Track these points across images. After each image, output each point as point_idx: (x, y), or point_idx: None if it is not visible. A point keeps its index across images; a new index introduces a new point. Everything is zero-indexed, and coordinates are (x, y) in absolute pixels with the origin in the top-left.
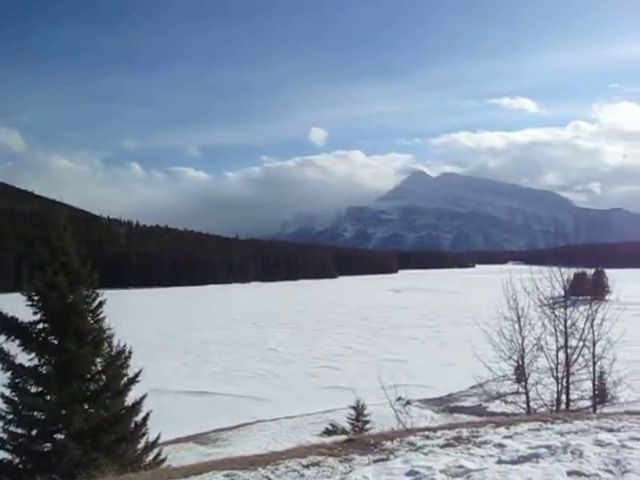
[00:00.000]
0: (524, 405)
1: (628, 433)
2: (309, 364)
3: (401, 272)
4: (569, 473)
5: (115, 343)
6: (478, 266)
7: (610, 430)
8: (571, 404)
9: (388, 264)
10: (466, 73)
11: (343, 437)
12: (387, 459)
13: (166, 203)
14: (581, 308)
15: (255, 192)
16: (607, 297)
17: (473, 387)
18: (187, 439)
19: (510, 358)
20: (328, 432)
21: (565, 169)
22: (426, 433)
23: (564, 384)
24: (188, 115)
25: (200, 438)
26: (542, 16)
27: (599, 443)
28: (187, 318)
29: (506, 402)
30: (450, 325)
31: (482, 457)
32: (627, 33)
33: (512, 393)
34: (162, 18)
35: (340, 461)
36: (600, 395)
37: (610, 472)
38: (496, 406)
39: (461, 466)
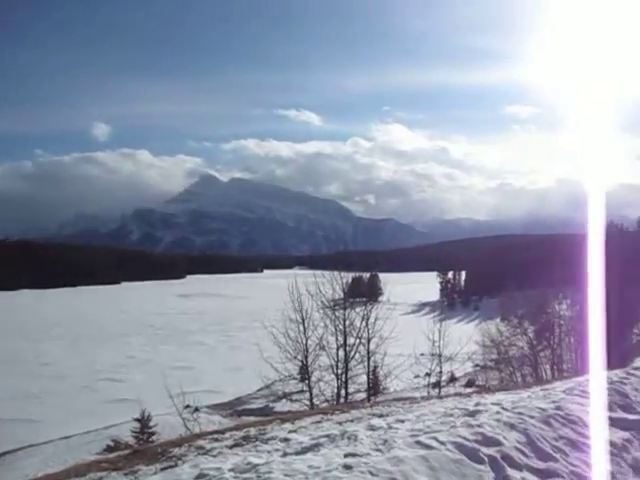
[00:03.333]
0: (308, 402)
1: (395, 417)
2: (89, 377)
3: (190, 277)
4: (346, 455)
5: None
6: (266, 271)
7: (380, 416)
8: (349, 397)
9: (176, 269)
10: (257, 82)
11: (127, 451)
12: (175, 465)
13: None
14: (358, 309)
15: (27, 189)
16: (380, 298)
17: (261, 389)
18: None
19: (295, 358)
20: (110, 449)
21: (345, 180)
22: (215, 436)
23: (343, 379)
24: None
25: None
26: (333, 38)
27: (371, 427)
28: None
29: (291, 400)
30: (239, 330)
31: (269, 452)
32: (399, 64)
33: (297, 392)
34: None
35: (125, 474)
36: (374, 387)
37: (379, 451)
38: (282, 405)
39: (249, 463)
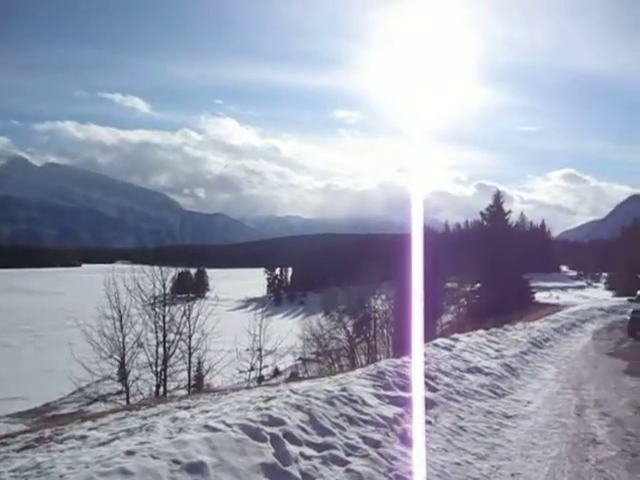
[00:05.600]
0: (125, 403)
1: (201, 408)
2: None
3: None
4: (136, 444)
5: None
6: (85, 265)
7: (187, 408)
8: (169, 394)
9: None
10: (79, 60)
11: None
12: None
13: None
14: (180, 305)
15: None
16: (207, 294)
17: (74, 392)
18: None
19: (111, 357)
20: None
21: (174, 172)
22: (4, 440)
23: (162, 376)
24: None
25: None
26: (167, 24)
27: (174, 419)
28: None
29: (107, 402)
30: (51, 329)
31: (62, 451)
32: (235, 58)
33: (116, 393)
34: None
35: None
36: (197, 383)
37: (170, 438)
38: (96, 408)
39: (36, 463)
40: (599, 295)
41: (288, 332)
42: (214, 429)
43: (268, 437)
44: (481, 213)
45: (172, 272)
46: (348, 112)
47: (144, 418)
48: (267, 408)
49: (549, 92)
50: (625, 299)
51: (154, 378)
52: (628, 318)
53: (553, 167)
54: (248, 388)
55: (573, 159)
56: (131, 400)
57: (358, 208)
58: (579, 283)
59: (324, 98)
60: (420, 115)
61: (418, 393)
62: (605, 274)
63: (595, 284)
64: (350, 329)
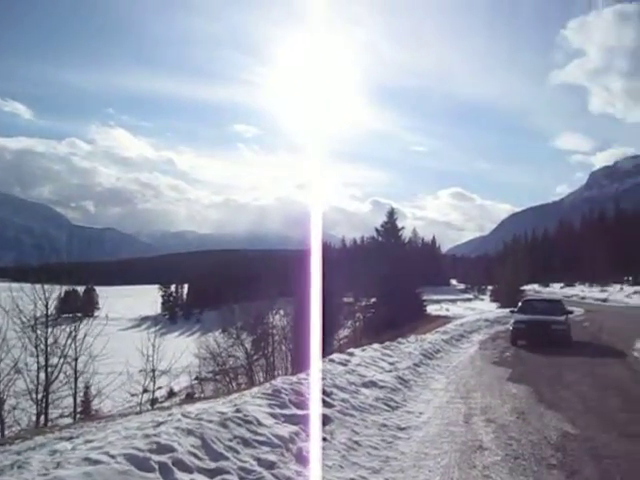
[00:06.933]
0: None
1: (84, 437)
2: None
3: None
4: None
5: None
6: None
7: (69, 438)
8: (51, 423)
9: None
10: None
11: None
12: None
13: None
14: (66, 326)
15: None
16: (97, 313)
17: None
18: None
19: None
20: None
21: (60, 184)
22: None
23: (44, 404)
24: None
25: None
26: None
27: (52, 452)
28: None
29: None
30: None
31: None
32: (129, 67)
33: None
34: None
35: None
36: (84, 409)
37: (44, 475)
38: None
39: None
40: (485, 307)
41: (183, 351)
42: (96, 461)
43: (156, 466)
44: (376, 229)
45: (57, 290)
46: (246, 126)
47: (18, 453)
48: (156, 435)
49: (437, 114)
50: (508, 310)
51: (34, 406)
52: (511, 328)
53: (443, 186)
54: (138, 413)
55: (461, 179)
56: (7, 433)
57: (256, 223)
58: (467, 296)
59: (222, 111)
60: (317, 133)
61: (314, 410)
62: (490, 287)
63: (481, 296)
64: (248, 346)
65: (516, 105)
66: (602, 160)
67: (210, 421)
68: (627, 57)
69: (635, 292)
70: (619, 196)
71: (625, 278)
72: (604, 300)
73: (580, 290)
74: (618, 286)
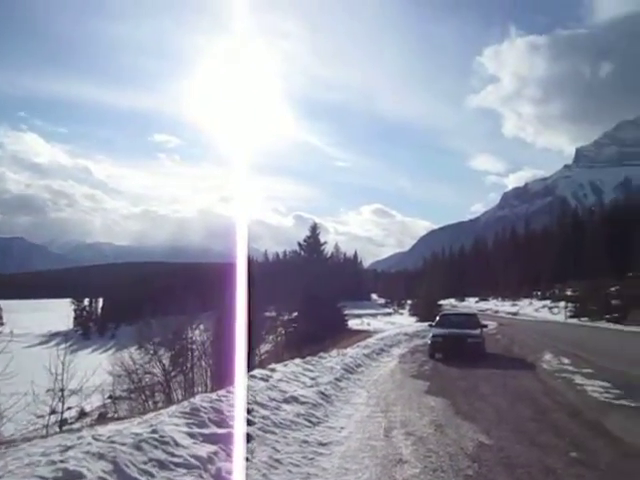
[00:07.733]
0: None
1: None
2: None
3: None
4: None
5: None
6: None
7: None
8: None
9: None
10: None
11: None
12: None
13: None
14: None
15: None
16: (0, 329)
17: None
18: None
19: None
20: None
21: None
22: None
23: None
24: None
25: None
26: None
27: None
28: None
29: None
30: None
31: None
32: (44, 69)
33: None
34: None
35: None
36: None
37: None
38: None
39: None
40: (405, 321)
41: (96, 368)
42: None
43: None
44: (299, 243)
45: None
46: (168, 136)
47: None
48: (63, 460)
49: (360, 131)
50: (427, 324)
51: None
52: (429, 342)
53: (365, 202)
54: (44, 437)
55: (382, 195)
56: None
57: (177, 235)
58: (387, 310)
59: (144, 120)
60: (241, 145)
61: (235, 428)
62: (409, 301)
63: (401, 311)
64: (166, 362)
65: (435, 125)
66: (514, 181)
67: (123, 443)
68: (537, 85)
69: (543, 306)
70: (529, 216)
71: (534, 292)
72: (515, 314)
73: (494, 304)
74: (528, 300)
